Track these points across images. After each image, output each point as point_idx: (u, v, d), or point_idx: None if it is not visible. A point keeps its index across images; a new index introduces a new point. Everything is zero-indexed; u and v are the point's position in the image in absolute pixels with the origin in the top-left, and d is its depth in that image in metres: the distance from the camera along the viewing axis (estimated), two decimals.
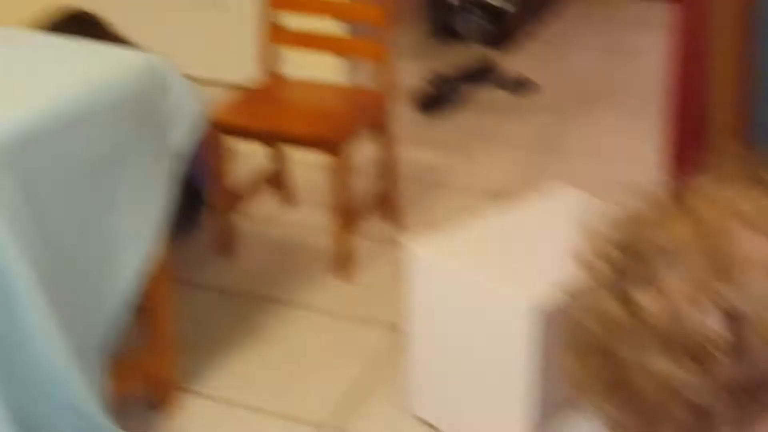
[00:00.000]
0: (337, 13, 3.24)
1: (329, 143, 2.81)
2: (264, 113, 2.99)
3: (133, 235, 2.14)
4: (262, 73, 3.14)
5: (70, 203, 2.01)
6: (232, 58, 4.22)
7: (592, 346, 0.80)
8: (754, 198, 0.78)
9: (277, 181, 3.29)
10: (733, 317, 0.74)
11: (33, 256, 1.87)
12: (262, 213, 3.26)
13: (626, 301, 0.77)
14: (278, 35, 3.11)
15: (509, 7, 4.73)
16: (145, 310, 2.30)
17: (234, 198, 3.05)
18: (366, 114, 2.98)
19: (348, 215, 2.91)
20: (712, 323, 0.73)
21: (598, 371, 0.80)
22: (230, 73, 4.19)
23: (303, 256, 3.07)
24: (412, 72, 4.15)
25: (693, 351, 0.74)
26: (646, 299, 0.76)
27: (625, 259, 0.79)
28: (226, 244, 3.03)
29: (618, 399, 0.80)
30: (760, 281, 0.74)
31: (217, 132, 2.84)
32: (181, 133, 2.30)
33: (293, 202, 3.35)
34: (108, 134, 2.09)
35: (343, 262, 2.93)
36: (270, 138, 3.00)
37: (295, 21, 3.12)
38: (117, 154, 2.11)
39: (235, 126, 2.89)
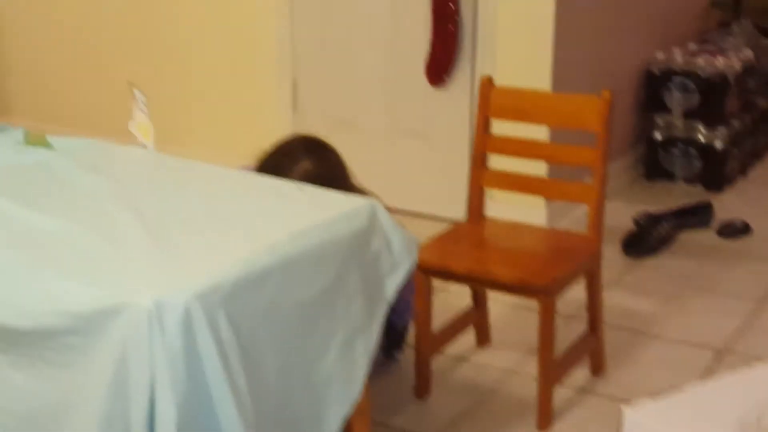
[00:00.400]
0: (549, 156, 3.20)
1: (535, 289, 2.74)
2: (468, 255, 2.94)
3: (342, 381, 2.11)
4: (467, 212, 3.12)
5: (280, 346, 2.00)
6: (437, 192, 4.27)
7: None
8: None
9: (474, 320, 3.23)
10: None
11: (240, 399, 1.86)
12: (457, 351, 3.20)
13: None
14: (486, 177, 3.09)
15: (719, 144, 4.59)
16: None
17: (435, 339, 3.00)
18: (574, 259, 2.89)
19: (552, 363, 2.80)
20: None
21: None
22: (435, 207, 4.25)
23: (498, 401, 2.97)
24: (618, 212, 4.07)
25: None
26: None
27: None
28: (423, 386, 2.97)
29: None
30: None
31: (420, 272, 2.82)
32: (391, 275, 2.28)
33: (488, 342, 3.28)
34: (320, 277, 2.09)
35: (543, 412, 2.82)
36: (475, 281, 2.93)
37: (502, 162, 3.10)
38: (328, 297, 2.11)
39: (438, 267, 2.85)
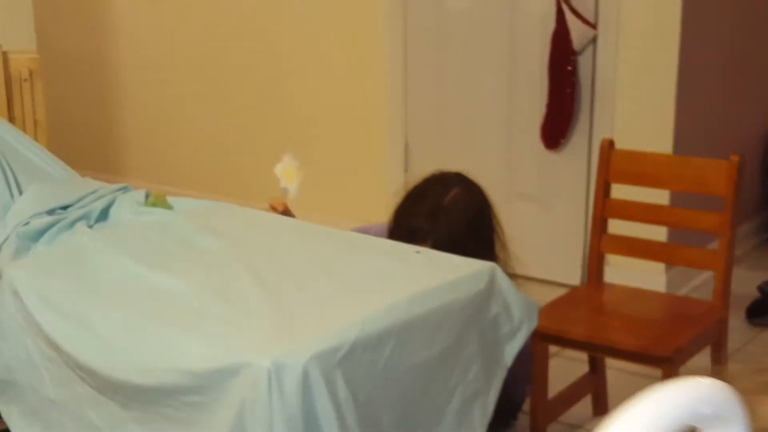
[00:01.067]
0: (673, 221, 3.12)
1: (659, 358, 2.65)
2: (587, 321, 2.88)
3: None
4: (585, 277, 3.06)
5: (397, 408, 1.98)
6: (552, 256, 4.21)
7: None
8: None
9: (592, 387, 3.15)
10: None
11: None
12: (573, 420, 3.11)
13: None
14: (606, 242, 3.02)
15: None
16: None
17: (551, 407, 2.93)
18: (699, 327, 2.79)
19: None
20: None
21: None
22: (550, 272, 4.19)
23: None
24: (742, 278, 3.93)
25: None
26: None
27: None
28: None
29: None
30: None
31: (538, 338, 2.76)
32: (510, 340, 2.25)
33: (606, 411, 3.18)
34: (438, 340, 2.06)
35: None
36: (594, 349, 2.86)
37: (620, 226, 3.03)
38: (446, 360, 2.08)
39: (556, 333, 2.79)
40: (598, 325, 2.86)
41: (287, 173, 2.63)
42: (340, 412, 1.82)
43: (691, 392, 0.90)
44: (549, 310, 2.89)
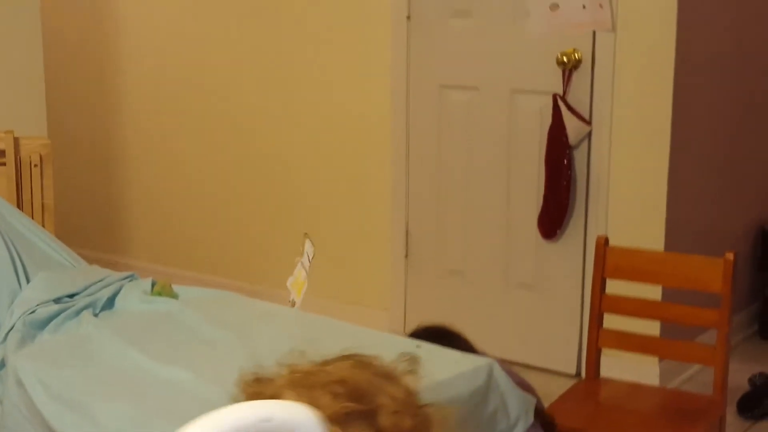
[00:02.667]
0: (669, 317, 3.16)
1: None
2: (600, 419, 2.89)
3: None
4: (581, 366, 3.10)
5: None
6: (547, 345, 4.26)
7: None
8: None
9: None
10: None
11: None
12: None
13: None
14: (603, 337, 3.07)
15: None
16: None
17: None
18: (705, 424, 2.83)
19: None
20: None
21: None
22: (545, 360, 4.23)
23: None
24: (733, 371, 3.96)
25: None
26: None
27: None
28: None
29: None
30: None
31: None
32: None
33: None
34: None
35: None
36: None
37: (613, 321, 3.09)
38: None
39: (572, 430, 2.77)
40: (611, 422, 2.87)
41: (296, 285, 2.67)
42: None
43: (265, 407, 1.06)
44: (557, 408, 2.86)
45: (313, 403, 1.13)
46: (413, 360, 1.28)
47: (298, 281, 2.64)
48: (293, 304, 2.64)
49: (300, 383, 1.16)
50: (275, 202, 5.02)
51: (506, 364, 2.56)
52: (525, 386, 2.53)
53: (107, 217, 5.65)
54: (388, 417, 1.15)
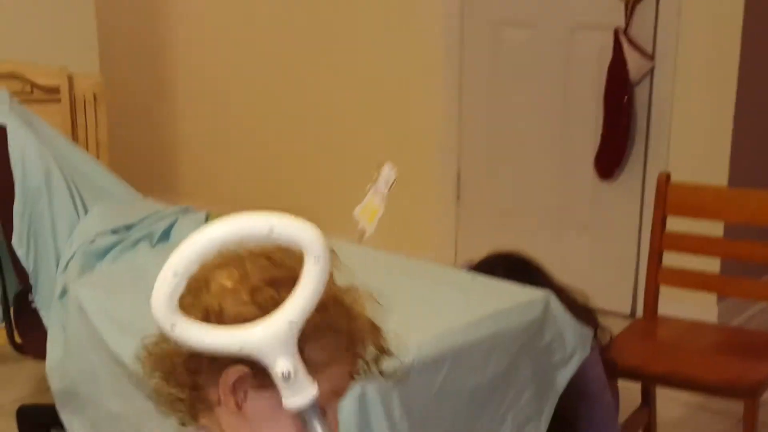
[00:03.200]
0: (731, 254, 3.10)
1: (742, 391, 2.63)
2: (663, 355, 2.86)
3: None
4: (635, 307, 3.06)
5: (450, 430, 2.01)
6: (602, 286, 4.21)
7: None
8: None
9: (644, 419, 3.14)
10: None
11: None
12: None
13: None
14: (663, 274, 3.02)
15: None
16: None
17: None
18: (763, 357, 2.78)
19: None
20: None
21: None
22: (600, 301, 4.18)
23: None
24: None
25: None
26: None
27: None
28: None
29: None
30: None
31: (610, 373, 2.65)
32: (563, 367, 2.27)
33: None
34: (492, 365, 2.09)
35: None
36: (673, 383, 2.80)
37: (673, 258, 3.04)
38: (499, 385, 2.10)
39: (636, 370, 2.76)
40: (673, 359, 2.82)
41: (367, 211, 2.59)
42: (395, 428, 1.86)
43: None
44: (615, 346, 2.77)
45: (244, 275, 1.15)
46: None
47: (369, 208, 2.59)
48: (362, 234, 2.61)
49: (227, 262, 1.16)
50: (326, 144, 5.00)
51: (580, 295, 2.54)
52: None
53: (159, 157, 5.68)
54: None
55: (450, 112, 4.58)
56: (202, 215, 2.82)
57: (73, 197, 2.71)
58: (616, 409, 2.62)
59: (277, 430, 1.17)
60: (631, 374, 2.78)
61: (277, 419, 1.15)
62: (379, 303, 1.31)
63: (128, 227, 2.68)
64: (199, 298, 1.15)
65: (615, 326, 3.16)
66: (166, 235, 2.70)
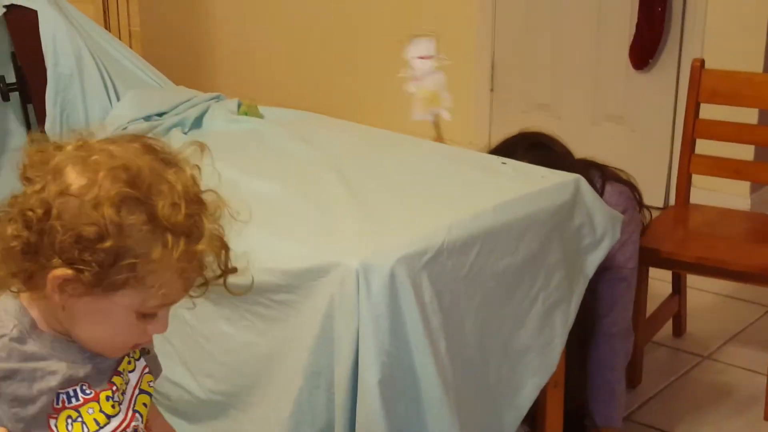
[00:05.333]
0: (761, 140, 3.08)
1: None
2: (695, 242, 2.85)
3: (539, 352, 2.12)
4: (669, 198, 3.06)
5: (480, 313, 2.02)
6: (636, 177, 4.19)
7: None
8: None
9: (674, 308, 3.16)
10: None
11: (440, 360, 1.90)
12: (656, 338, 3.14)
13: None
14: (696, 163, 3.01)
15: None
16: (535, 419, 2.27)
17: (648, 327, 2.94)
18: None
19: None
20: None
21: None
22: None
23: (703, 390, 2.90)
24: None
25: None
26: None
27: None
28: (636, 376, 2.91)
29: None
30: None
31: (642, 262, 2.68)
32: (593, 251, 2.28)
33: (684, 332, 3.21)
34: (522, 248, 2.10)
35: None
36: (705, 270, 2.78)
37: (707, 146, 3.02)
38: (529, 268, 2.11)
39: (667, 256, 2.75)
40: (703, 246, 2.81)
41: (427, 102, 2.40)
42: (425, 314, 1.87)
43: None
44: (649, 233, 2.79)
45: (93, 183, 1.17)
46: (201, 147, 1.31)
47: (426, 98, 2.42)
48: (437, 121, 2.45)
49: (84, 161, 1.19)
50: (357, 37, 4.96)
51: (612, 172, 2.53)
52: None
53: (192, 50, 5.66)
54: (164, 207, 1.18)
55: (485, 2, 4.52)
56: (234, 103, 2.83)
57: (105, 83, 2.71)
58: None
59: (98, 328, 1.23)
60: (663, 262, 2.79)
61: (99, 319, 1.22)
62: (237, 219, 1.35)
63: (160, 114, 2.69)
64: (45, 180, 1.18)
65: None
66: (198, 122, 2.71)
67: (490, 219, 2.03)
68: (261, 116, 2.76)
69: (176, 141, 2.57)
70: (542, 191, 2.18)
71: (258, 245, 2.00)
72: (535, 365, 2.12)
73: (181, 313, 2.20)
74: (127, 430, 1.30)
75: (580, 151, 4.31)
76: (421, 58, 2.39)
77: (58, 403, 1.24)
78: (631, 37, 4.08)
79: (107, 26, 3.60)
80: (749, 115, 3.25)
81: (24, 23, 2.65)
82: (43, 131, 2.67)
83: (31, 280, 1.20)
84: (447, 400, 1.88)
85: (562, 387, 2.30)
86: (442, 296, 1.92)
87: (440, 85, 2.39)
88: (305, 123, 2.71)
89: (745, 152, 3.29)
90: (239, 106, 2.81)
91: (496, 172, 2.29)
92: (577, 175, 2.26)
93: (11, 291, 1.23)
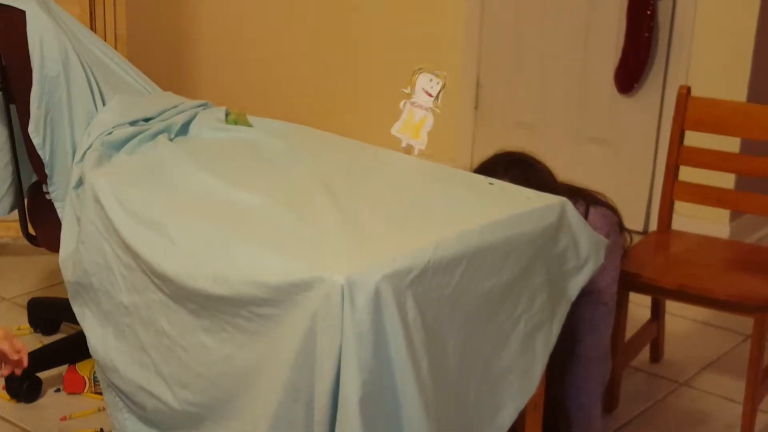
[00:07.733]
0: (748, 170, 3.08)
1: (753, 307, 2.64)
2: (675, 269, 2.86)
3: (520, 374, 2.12)
4: (649, 223, 3.07)
5: (462, 333, 2.02)
6: (617, 200, 4.20)
7: None
8: None
9: (653, 334, 3.17)
10: None
11: (422, 380, 1.88)
12: (633, 363, 3.15)
13: None
14: (678, 189, 3.02)
15: None
16: None
17: (627, 353, 2.95)
18: None
19: (759, 382, 2.69)
20: None
21: None
22: None
23: (678, 418, 2.90)
24: None
25: None
26: None
27: None
28: (613, 401, 2.91)
29: None
30: None
31: (622, 285, 2.70)
32: (576, 275, 2.27)
33: (661, 357, 3.22)
34: (506, 269, 2.09)
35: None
36: (685, 297, 2.78)
37: (688, 174, 3.03)
38: (512, 290, 2.11)
39: (647, 282, 2.76)
40: (685, 273, 2.81)
41: (409, 128, 2.47)
42: (408, 332, 1.86)
43: None
44: (629, 258, 2.82)
45: None
46: None
47: (410, 124, 2.48)
48: (410, 150, 2.51)
49: None
50: (344, 56, 4.95)
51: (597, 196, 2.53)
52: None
53: (178, 54, 5.63)
54: None
55: (472, 21, 4.53)
56: (222, 111, 2.80)
57: (91, 87, 2.68)
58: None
59: None
60: (644, 287, 2.79)
61: None
62: None
63: (147, 120, 2.67)
64: None
65: None
66: (185, 129, 2.69)
67: (476, 239, 2.03)
68: (250, 125, 2.74)
69: (162, 147, 2.56)
70: (528, 213, 2.17)
71: (242, 258, 1.99)
72: (516, 387, 2.11)
73: (160, 323, 2.19)
74: None
75: (562, 171, 4.32)
76: (425, 91, 2.44)
77: None
78: (617, 61, 4.09)
79: (93, 28, 3.56)
80: (731, 144, 3.26)
81: (11, 23, 2.62)
82: (26, 132, 2.65)
83: None
84: (427, 420, 1.87)
85: (541, 410, 2.29)
86: (426, 315, 1.91)
87: (426, 125, 2.45)
88: (294, 135, 2.70)
89: (725, 180, 3.30)
90: (227, 114, 2.79)
91: (483, 192, 2.28)
92: (564, 198, 2.26)
93: None
